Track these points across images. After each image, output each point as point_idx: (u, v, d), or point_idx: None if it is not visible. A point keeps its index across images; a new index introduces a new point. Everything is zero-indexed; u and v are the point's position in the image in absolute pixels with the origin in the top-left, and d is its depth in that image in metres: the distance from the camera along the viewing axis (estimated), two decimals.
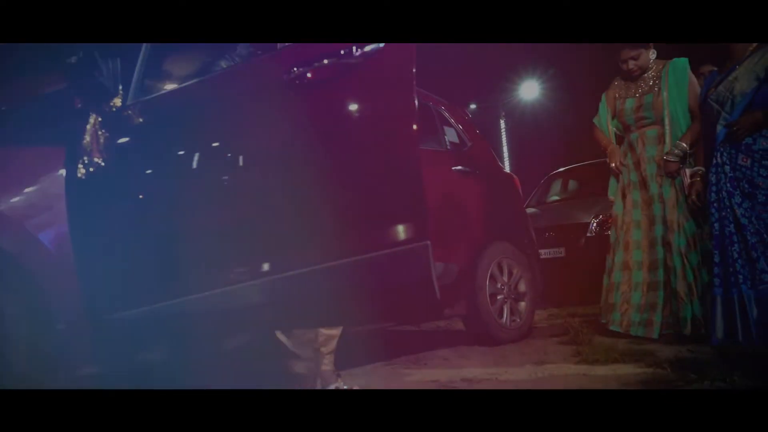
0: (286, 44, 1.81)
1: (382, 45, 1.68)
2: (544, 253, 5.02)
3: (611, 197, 3.30)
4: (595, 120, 3.35)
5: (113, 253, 1.79)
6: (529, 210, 5.25)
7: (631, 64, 3.10)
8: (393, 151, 1.67)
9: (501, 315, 3.34)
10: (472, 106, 18.14)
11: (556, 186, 6.56)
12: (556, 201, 6.22)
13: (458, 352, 3.19)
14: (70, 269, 1.76)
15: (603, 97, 3.32)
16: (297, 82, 1.73)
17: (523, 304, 3.51)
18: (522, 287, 3.53)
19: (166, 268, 1.76)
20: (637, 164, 3.13)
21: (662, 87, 3.05)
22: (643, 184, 3.10)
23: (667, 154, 2.98)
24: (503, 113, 18.21)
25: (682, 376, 2.09)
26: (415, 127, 1.66)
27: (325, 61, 1.73)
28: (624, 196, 3.18)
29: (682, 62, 3.06)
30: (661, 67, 3.10)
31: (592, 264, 3.97)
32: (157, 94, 1.94)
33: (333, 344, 2.12)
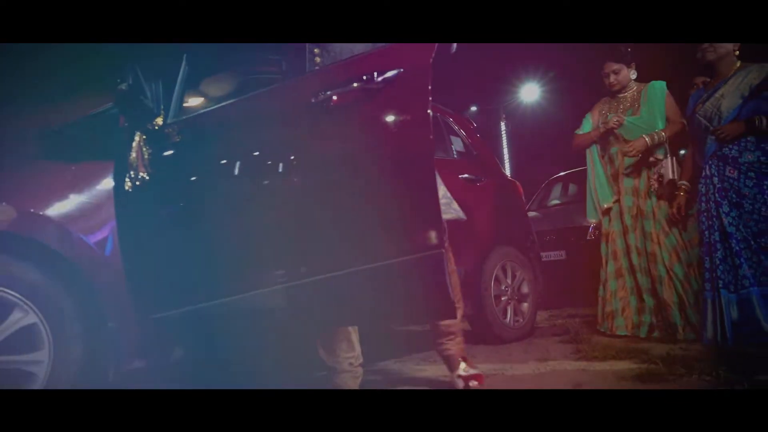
0: (315, 69, 2.00)
1: (402, 70, 1.86)
2: (546, 255, 5.21)
3: (590, 219, 3.52)
4: (577, 131, 3.57)
5: (158, 257, 1.98)
6: (531, 214, 5.44)
7: (612, 78, 3.34)
8: (412, 167, 1.84)
9: (505, 315, 3.53)
10: (473, 109, 18.35)
11: (557, 190, 6.74)
12: (557, 205, 6.41)
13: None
14: (119, 271, 1.96)
15: (588, 114, 3.55)
16: (324, 104, 1.92)
17: (525, 305, 3.71)
18: (525, 289, 3.72)
19: (207, 272, 1.96)
20: (615, 177, 3.35)
21: (641, 105, 3.29)
22: (618, 195, 3.33)
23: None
24: (504, 116, 18.40)
25: (673, 370, 2.28)
26: (431, 146, 1.85)
27: (351, 86, 1.91)
28: (608, 209, 3.40)
29: (660, 84, 3.30)
30: (641, 88, 3.34)
31: (592, 266, 4.16)
32: (195, 114, 2.14)
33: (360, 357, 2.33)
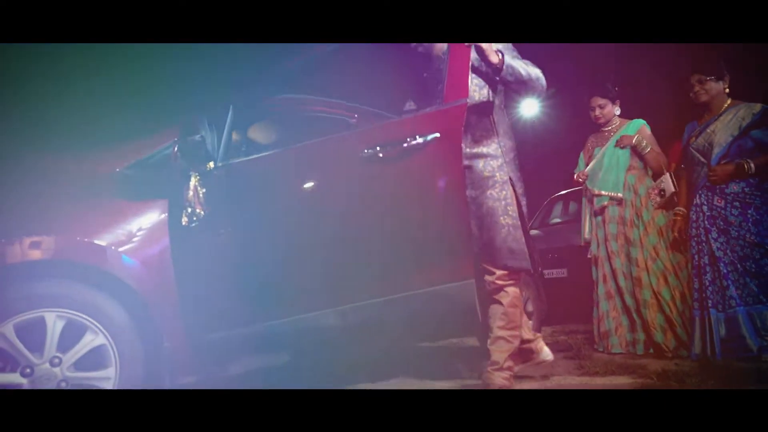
0: (367, 128, 2.35)
1: (437, 135, 2.22)
2: (548, 273, 5.46)
3: (586, 237, 3.79)
4: (575, 170, 3.86)
5: (209, 283, 2.24)
6: (533, 232, 5.68)
7: (597, 111, 3.66)
8: (448, 210, 2.22)
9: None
10: None
11: (558, 208, 6.97)
12: (558, 223, 6.64)
13: (470, 365, 3.62)
14: (174, 296, 2.21)
15: (581, 153, 3.85)
16: (372, 158, 2.25)
17: (530, 322, 3.94)
18: (529, 307, 3.96)
19: (252, 297, 2.22)
20: (601, 210, 3.63)
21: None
22: (603, 223, 3.61)
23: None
24: None
25: (667, 384, 2.53)
26: (464, 195, 2.22)
27: (396, 145, 2.25)
28: (597, 235, 3.68)
29: (638, 122, 3.61)
30: (623, 123, 3.65)
31: (593, 284, 4.42)
32: (244, 159, 2.40)
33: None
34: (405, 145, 2.24)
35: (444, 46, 2.48)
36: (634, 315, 3.46)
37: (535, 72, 2.43)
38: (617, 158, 3.55)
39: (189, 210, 2.20)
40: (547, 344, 3.70)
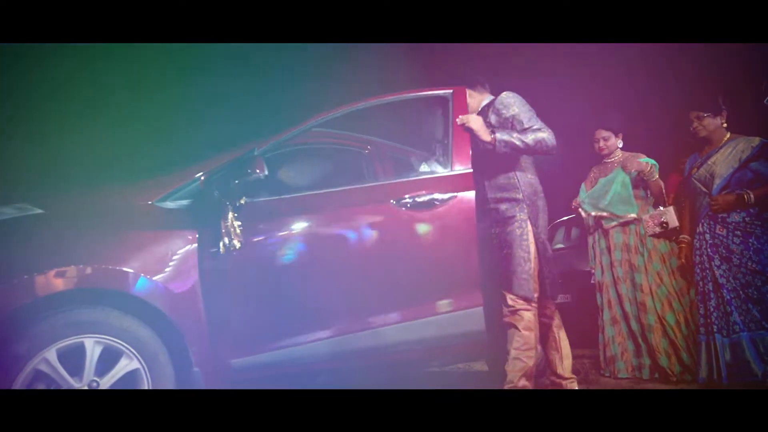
0: (394, 180, 2.66)
1: (456, 194, 2.58)
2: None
3: (591, 265, 3.90)
4: (575, 200, 3.98)
5: (236, 310, 2.35)
6: None
7: (602, 143, 3.81)
8: (460, 250, 2.53)
9: None
10: None
11: (560, 234, 7.07)
12: (561, 248, 6.74)
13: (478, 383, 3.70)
14: (203, 323, 2.31)
15: (582, 184, 3.98)
16: (402, 207, 2.52)
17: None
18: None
19: (276, 323, 2.33)
20: (606, 233, 3.74)
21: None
22: (608, 250, 3.72)
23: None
24: None
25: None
26: (475, 245, 2.54)
27: (420, 197, 2.56)
28: (601, 262, 3.79)
29: (643, 158, 3.71)
30: (624, 156, 3.76)
31: (597, 309, 4.53)
32: (276, 198, 2.53)
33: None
34: (425, 199, 2.57)
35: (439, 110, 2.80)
36: (639, 340, 3.54)
37: (534, 137, 2.62)
38: (625, 184, 3.66)
39: (227, 240, 2.30)
40: None
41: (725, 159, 3.15)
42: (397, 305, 2.42)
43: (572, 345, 5.31)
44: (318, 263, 2.41)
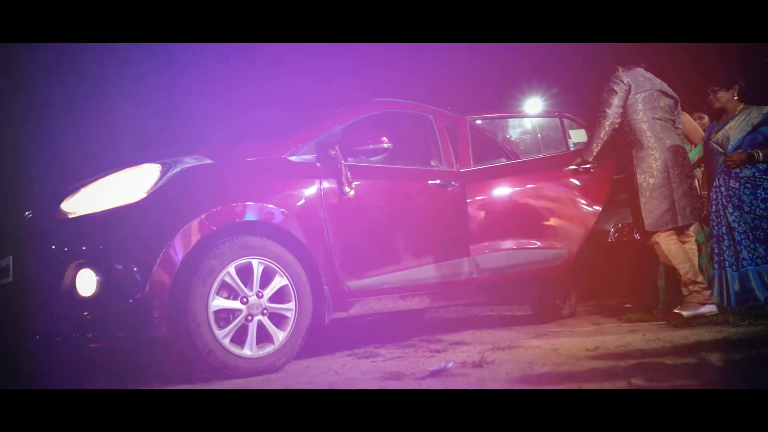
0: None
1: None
2: None
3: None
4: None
5: (359, 241, 3.02)
6: None
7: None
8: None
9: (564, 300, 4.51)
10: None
11: None
12: None
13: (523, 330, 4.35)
14: (330, 251, 2.93)
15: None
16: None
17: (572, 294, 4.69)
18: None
19: (396, 251, 3.10)
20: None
21: None
22: None
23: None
24: None
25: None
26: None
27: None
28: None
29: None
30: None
31: (611, 265, 5.26)
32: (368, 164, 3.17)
33: None
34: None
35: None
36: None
37: None
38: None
39: (346, 189, 2.94)
40: (581, 312, 4.44)
41: (739, 124, 3.77)
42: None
43: (593, 296, 6.04)
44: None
